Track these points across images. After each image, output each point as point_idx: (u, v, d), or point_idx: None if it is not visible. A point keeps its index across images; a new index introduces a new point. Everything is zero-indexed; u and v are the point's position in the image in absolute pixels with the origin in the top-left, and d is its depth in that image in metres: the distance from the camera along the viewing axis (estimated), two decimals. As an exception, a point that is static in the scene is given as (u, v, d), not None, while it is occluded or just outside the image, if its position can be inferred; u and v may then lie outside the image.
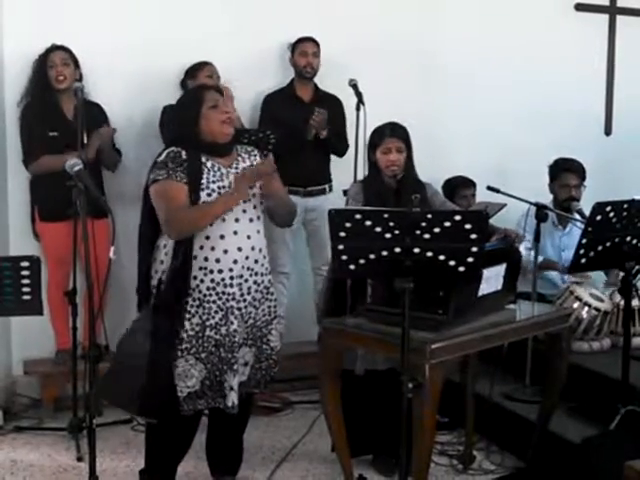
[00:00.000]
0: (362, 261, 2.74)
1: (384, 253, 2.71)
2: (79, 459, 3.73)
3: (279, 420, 4.30)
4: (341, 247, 2.74)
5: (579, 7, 5.50)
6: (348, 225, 2.71)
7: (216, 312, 3.05)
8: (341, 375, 3.28)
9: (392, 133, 3.45)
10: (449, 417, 3.95)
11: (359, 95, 4.53)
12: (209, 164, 3.06)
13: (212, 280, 3.03)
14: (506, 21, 5.23)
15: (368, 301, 3.20)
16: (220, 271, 3.03)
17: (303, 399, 4.48)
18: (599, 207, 3.38)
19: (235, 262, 3.04)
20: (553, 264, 4.45)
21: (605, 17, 5.59)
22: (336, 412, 3.30)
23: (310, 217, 4.69)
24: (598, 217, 3.38)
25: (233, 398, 3.05)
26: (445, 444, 3.89)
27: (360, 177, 4.10)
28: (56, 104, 4.25)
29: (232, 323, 3.05)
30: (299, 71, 4.69)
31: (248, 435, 3.39)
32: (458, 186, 4.84)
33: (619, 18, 5.60)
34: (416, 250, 2.70)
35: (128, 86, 4.50)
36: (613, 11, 5.60)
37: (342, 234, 2.72)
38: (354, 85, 4.58)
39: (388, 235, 2.69)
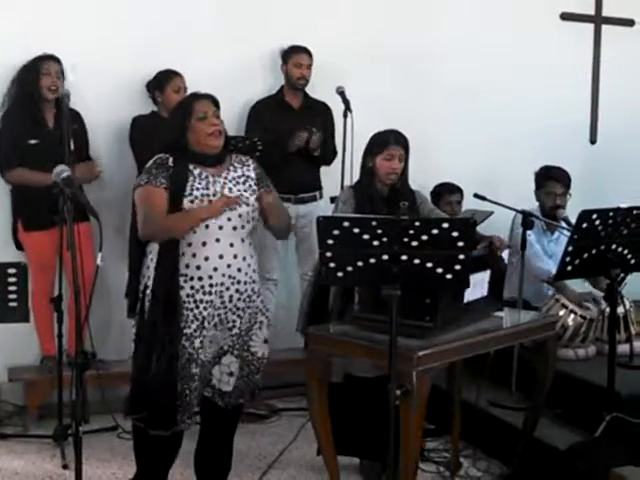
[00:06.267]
0: (350, 268, 2.74)
1: (372, 260, 2.71)
2: (64, 467, 3.71)
3: (266, 427, 4.29)
4: (329, 254, 2.74)
5: (565, 16, 5.54)
6: (336, 232, 2.71)
7: (192, 321, 3.02)
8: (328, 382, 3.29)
9: (396, 141, 3.45)
10: (435, 424, 3.96)
11: (346, 102, 4.54)
12: (196, 172, 3.06)
13: (192, 287, 3.01)
14: (491, 30, 5.25)
15: (355, 308, 3.21)
16: (200, 278, 3.01)
17: (290, 406, 4.48)
18: (585, 215, 3.39)
19: (215, 269, 3.02)
20: None
21: (590, 27, 5.63)
22: (323, 419, 3.30)
23: (300, 224, 4.67)
24: (584, 225, 3.40)
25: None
26: (432, 451, 3.89)
27: (347, 184, 4.11)
28: (39, 112, 4.22)
29: (208, 330, 3.04)
30: (292, 82, 4.67)
31: (235, 442, 3.37)
32: (443, 192, 4.85)
33: (604, 27, 5.64)
34: (404, 257, 2.70)
35: (110, 95, 4.47)
36: (598, 21, 5.64)
37: (330, 241, 2.72)
38: (341, 92, 4.59)
39: (376, 242, 2.69)
